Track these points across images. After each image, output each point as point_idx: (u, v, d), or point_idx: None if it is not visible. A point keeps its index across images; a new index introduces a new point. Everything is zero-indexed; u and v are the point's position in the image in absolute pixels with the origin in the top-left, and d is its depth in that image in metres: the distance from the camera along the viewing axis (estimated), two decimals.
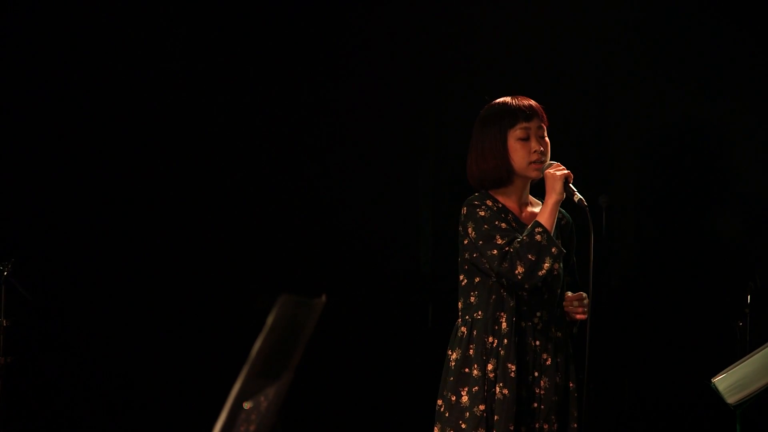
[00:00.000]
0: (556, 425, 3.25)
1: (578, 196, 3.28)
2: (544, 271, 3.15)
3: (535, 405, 3.24)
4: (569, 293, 3.36)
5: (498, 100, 3.39)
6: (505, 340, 3.22)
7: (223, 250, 5.95)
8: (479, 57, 5.85)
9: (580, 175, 5.83)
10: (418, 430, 4.96)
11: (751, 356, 3.48)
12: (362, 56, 5.97)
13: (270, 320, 1.54)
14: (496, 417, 3.18)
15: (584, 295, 3.35)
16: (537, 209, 3.37)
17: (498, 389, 3.19)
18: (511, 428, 3.16)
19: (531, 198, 3.44)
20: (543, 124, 3.37)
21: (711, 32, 5.60)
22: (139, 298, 5.81)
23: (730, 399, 3.46)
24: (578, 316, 3.34)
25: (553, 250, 3.15)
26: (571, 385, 3.33)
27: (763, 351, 3.46)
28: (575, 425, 3.30)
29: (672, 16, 5.68)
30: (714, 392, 3.50)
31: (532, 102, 3.38)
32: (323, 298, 1.62)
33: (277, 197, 6.03)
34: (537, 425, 3.23)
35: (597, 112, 5.92)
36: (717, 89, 5.58)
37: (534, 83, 5.90)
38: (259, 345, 1.52)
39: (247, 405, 1.50)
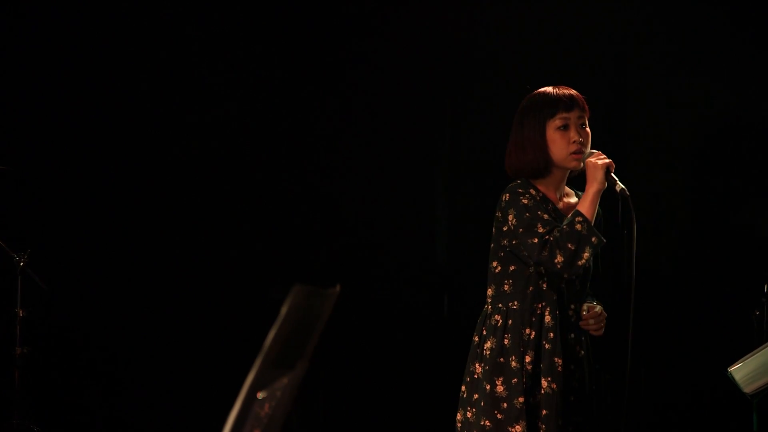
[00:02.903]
0: (585, 416, 3.27)
1: (620, 185, 3.22)
2: (583, 261, 3.12)
3: (573, 398, 3.25)
4: (585, 309, 3.31)
5: (539, 90, 3.35)
6: (551, 334, 3.20)
7: (239, 240, 5.96)
8: (495, 51, 5.83)
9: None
10: (435, 420, 4.98)
11: None
12: (379, 51, 5.96)
13: (284, 310, 1.54)
14: (544, 411, 3.17)
15: (598, 310, 3.32)
16: (574, 200, 3.35)
17: (546, 383, 3.18)
18: (560, 423, 3.16)
19: (567, 189, 3.39)
20: (584, 114, 3.31)
21: (735, 23, 5.57)
22: (154, 289, 5.83)
23: (747, 388, 3.45)
24: (595, 334, 3.33)
25: (593, 239, 3.12)
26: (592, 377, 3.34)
27: None
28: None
29: (693, 8, 5.65)
30: (730, 381, 3.49)
31: (573, 91, 3.32)
32: (337, 288, 1.62)
33: (293, 189, 6.03)
34: (573, 418, 3.25)
35: (617, 103, 5.89)
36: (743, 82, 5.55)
37: (551, 76, 5.87)
38: (273, 335, 1.52)
39: (260, 395, 1.50)
